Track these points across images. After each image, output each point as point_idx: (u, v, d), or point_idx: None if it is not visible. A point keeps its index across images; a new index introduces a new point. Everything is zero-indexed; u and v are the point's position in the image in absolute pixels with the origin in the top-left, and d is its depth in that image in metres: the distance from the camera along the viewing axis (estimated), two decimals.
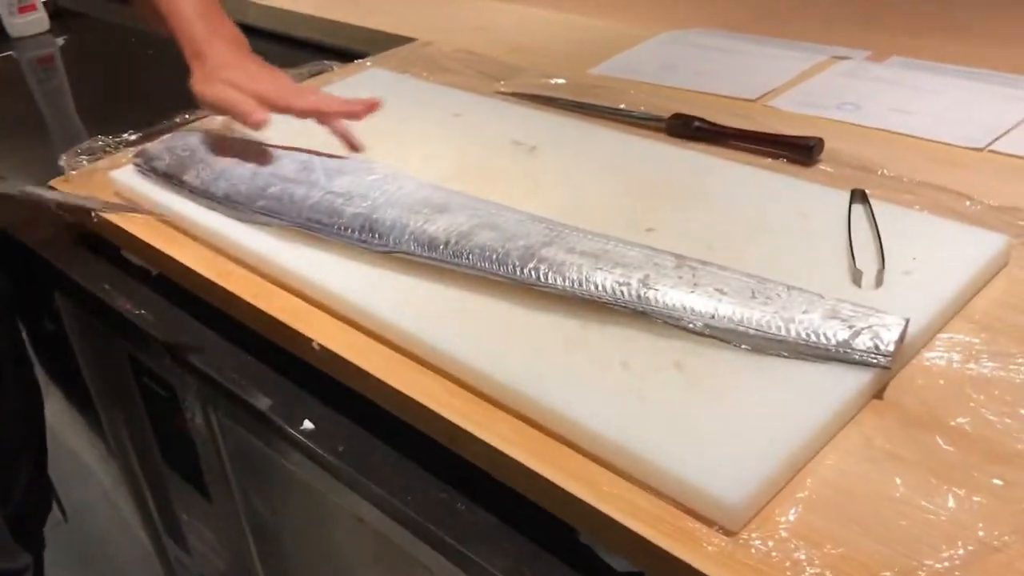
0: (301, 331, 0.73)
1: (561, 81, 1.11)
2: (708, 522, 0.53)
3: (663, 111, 0.98)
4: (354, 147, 0.89)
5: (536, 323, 0.68)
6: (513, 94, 1.09)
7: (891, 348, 0.60)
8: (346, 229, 0.78)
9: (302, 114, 0.87)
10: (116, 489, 1.37)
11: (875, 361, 0.59)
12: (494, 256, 0.71)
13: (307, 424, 0.73)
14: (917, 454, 0.56)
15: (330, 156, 0.87)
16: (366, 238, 0.76)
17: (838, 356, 0.60)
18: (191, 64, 0.90)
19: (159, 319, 0.88)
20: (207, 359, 0.82)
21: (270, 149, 0.90)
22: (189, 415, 0.95)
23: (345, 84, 1.14)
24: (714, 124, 0.94)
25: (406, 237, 0.74)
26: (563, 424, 0.60)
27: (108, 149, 1.03)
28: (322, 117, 0.88)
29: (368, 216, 0.77)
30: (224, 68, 0.88)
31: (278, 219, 0.81)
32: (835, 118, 0.96)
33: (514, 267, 0.70)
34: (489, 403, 0.64)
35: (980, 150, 0.87)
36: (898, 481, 0.54)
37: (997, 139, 0.88)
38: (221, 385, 0.80)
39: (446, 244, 0.73)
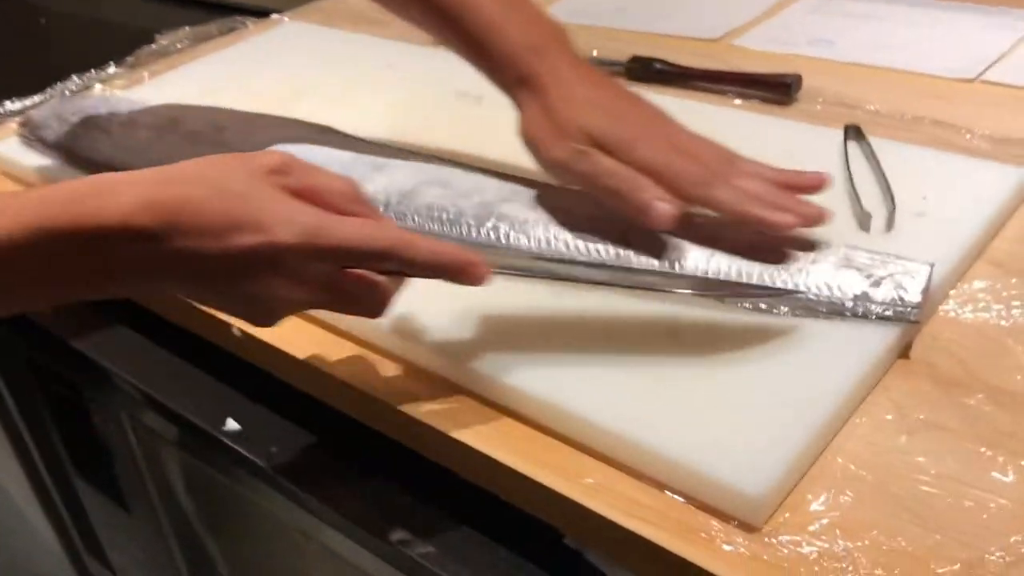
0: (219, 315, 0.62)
1: None
2: (724, 517, 0.44)
3: (618, 56, 0.88)
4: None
5: (501, 294, 0.57)
6: None
7: (918, 298, 0.51)
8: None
9: (728, 210, 0.54)
10: (29, 507, 1.24)
11: (900, 314, 0.51)
12: (444, 216, 0.61)
13: (231, 424, 0.61)
14: (962, 421, 0.47)
15: (244, 113, 0.76)
16: None
17: (857, 311, 0.51)
18: (516, 96, 0.59)
19: (58, 315, 0.76)
20: (114, 357, 0.70)
21: (176, 111, 0.78)
22: (98, 420, 0.83)
23: (259, 41, 1.02)
24: (677, 65, 0.85)
25: None
26: (539, 409, 0.50)
27: None
28: (748, 222, 0.54)
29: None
30: (578, 107, 0.56)
31: None
32: (809, 55, 0.87)
33: (469, 227, 0.60)
34: (452, 390, 0.54)
35: (971, 81, 0.79)
36: (943, 454, 0.46)
37: (988, 68, 0.80)
38: (134, 386, 0.68)
39: (386, 205, 0.62)
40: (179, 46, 1.04)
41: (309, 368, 0.57)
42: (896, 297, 0.51)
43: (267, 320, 0.48)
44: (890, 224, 0.58)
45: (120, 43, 1.03)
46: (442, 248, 0.47)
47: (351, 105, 0.83)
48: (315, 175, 0.48)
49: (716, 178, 0.54)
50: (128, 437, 0.79)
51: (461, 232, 0.60)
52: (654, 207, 0.52)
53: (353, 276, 0.47)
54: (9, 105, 0.89)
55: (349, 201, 0.48)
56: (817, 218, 0.53)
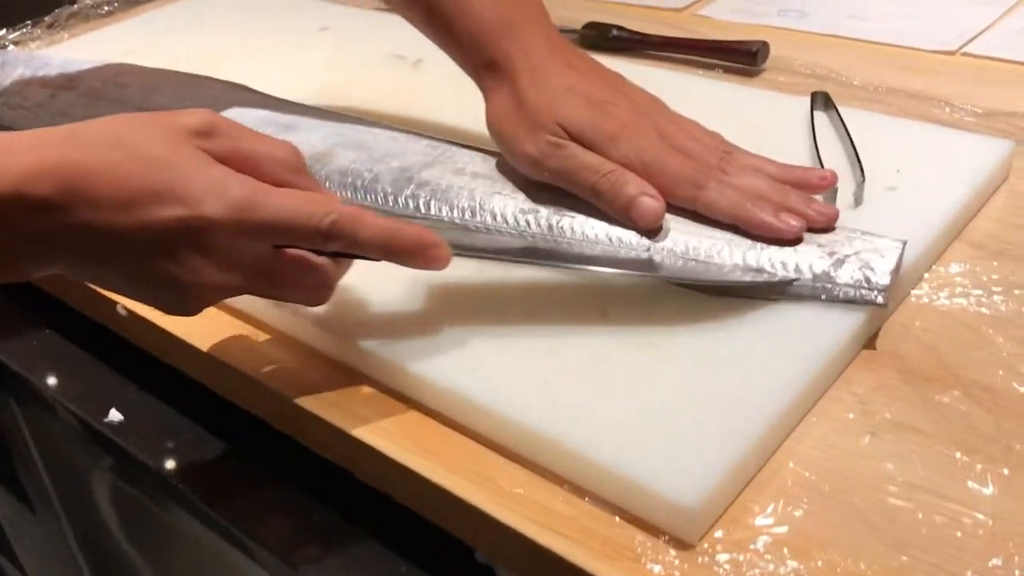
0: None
1: None
2: (654, 531, 0.37)
3: (574, 23, 0.82)
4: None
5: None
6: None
7: (886, 280, 0.44)
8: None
9: (726, 215, 0.48)
10: None
11: (866, 297, 0.44)
12: (359, 182, 0.54)
13: (114, 415, 0.54)
14: (934, 422, 0.41)
15: (150, 70, 0.68)
16: None
17: (817, 293, 0.45)
18: (482, 81, 0.53)
19: None
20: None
21: (75, 67, 0.70)
22: None
23: (190, 3, 0.95)
24: (636, 32, 0.78)
25: None
26: (444, 400, 0.43)
27: None
28: (751, 228, 0.48)
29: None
30: (555, 96, 0.49)
31: None
32: (778, 25, 0.81)
33: (386, 195, 0.53)
34: (346, 375, 0.47)
35: (952, 53, 0.73)
36: (913, 459, 0.39)
37: (969, 41, 0.74)
38: (16, 373, 0.61)
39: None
40: (106, 9, 0.97)
41: (193, 351, 0.50)
42: (862, 278, 0.45)
43: (186, 308, 0.41)
44: (859, 198, 0.52)
45: (43, 3, 0.96)
46: (395, 227, 0.41)
47: (282, 67, 0.77)
48: (247, 139, 0.41)
49: (710, 177, 0.48)
50: (22, 431, 0.71)
51: (377, 199, 0.53)
52: (639, 203, 0.47)
53: (291, 258, 0.41)
54: None
55: (288, 170, 0.41)
56: (832, 219, 0.47)
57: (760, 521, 0.37)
